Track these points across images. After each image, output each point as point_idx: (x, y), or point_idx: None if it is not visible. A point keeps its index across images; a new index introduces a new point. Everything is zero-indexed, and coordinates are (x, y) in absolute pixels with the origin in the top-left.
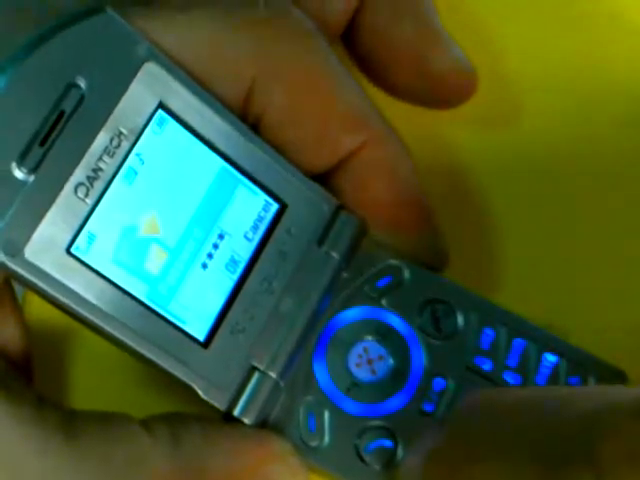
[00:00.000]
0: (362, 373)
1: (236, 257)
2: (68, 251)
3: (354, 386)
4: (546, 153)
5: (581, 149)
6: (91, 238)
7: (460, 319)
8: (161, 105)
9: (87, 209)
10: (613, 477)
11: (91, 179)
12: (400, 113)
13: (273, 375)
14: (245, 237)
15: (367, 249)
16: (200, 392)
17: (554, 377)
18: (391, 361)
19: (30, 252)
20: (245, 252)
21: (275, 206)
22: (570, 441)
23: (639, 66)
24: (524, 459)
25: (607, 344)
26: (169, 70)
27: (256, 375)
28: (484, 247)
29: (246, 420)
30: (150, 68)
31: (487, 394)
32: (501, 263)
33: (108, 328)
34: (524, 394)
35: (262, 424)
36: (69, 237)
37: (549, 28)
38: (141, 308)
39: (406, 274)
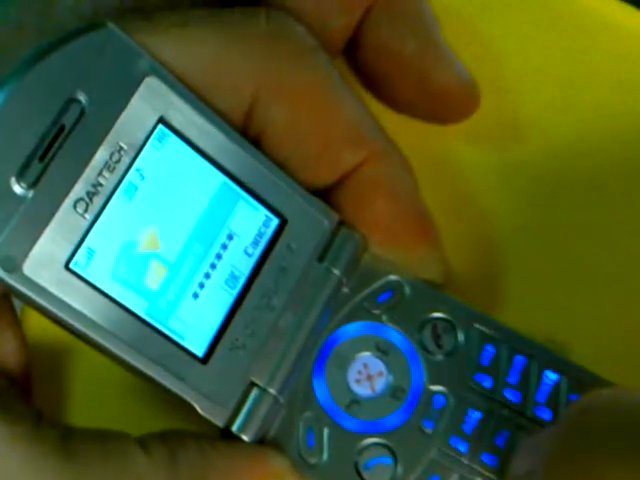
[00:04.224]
0: (362, 389)
1: (236, 272)
2: (67, 267)
3: (354, 402)
4: (549, 168)
5: (584, 164)
6: (90, 254)
7: (461, 335)
8: (162, 120)
9: (86, 224)
10: None
11: (91, 194)
12: (402, 128)
13: (272, 391)
14: (245, 252)
15: (368, 265)
16: (198, 408)
17: (555, 395)
18: (391, 377)
19: (29, 268)
20: (245, 267)
21: (275, 221)
22: None
23: None
24: None
25: (608, 358)
26: (170, 85)
27: (255, 391)
28: (485, 263)
29: (245, 437)
30: (151, 83)
31: (609, 392)
32: (502, 279)
33: (106, 344)
34: None
35: (261, 440)
36: (68, 253)
37: (553, 43)
38: (140, 324)
39: (407, 290)
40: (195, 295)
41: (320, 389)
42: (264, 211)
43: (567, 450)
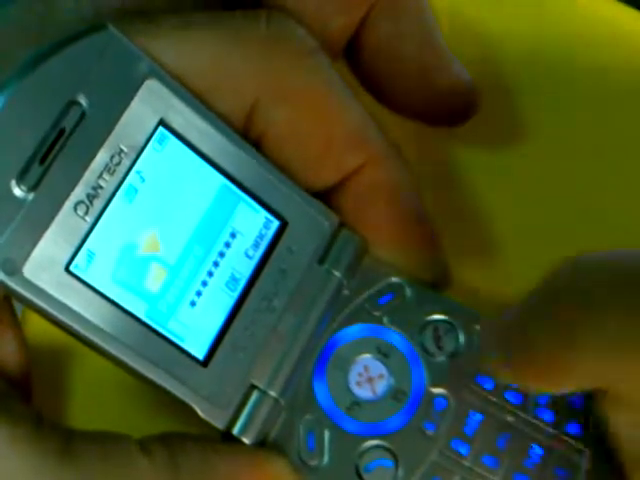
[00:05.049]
0: (363, 392)
1: (236, 275)
2: (67, 269)
3: (354, 405)
4: (549, 169)
5: (584, 165)
6: (90, 256)
7: (461, 337)
8: (162, 122)
9: (87, 227)
10: None
11: (91, 197)
12: (402, 130)
13: (273, 394)
14: (246, 254)
15: (368, 267)
16: (199, 411)
17: (556, 396)
18: (392, 380)
19: (29, 270)
20: (245, 270)
21: (276, 223)
22: None
23: None
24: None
25: None
26: (170, 87)
27: (256, 394)
28: (486, 265)
29: (245, 439)
30: (151, 85)
31: (594, 252)
32: (503, 281)
33: (107, 346)
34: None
35: (261, 443)
36: (68, 255)
37: (553, 44)
38: (140, 326)
39: (407, 292)
40: (195, 298)
41: (321, 391)
42: (264, 213)
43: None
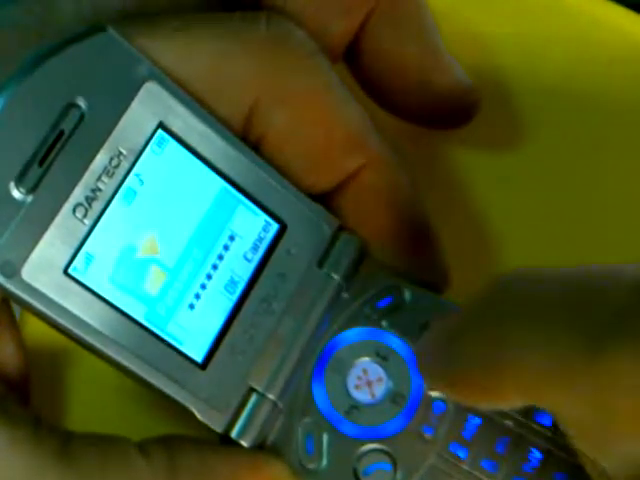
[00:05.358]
0: (361, 395)
1: (235, 278)
2: (66, 272)
3: (353, 408)
4: (550, 173)
5: (584, 165)
6: (89, 259)
7: None
8: (161, 125)
9: (85, 230)
10: None
11: (90, 199)
12: (402, 133)
13: (271, 397)
14: (245, 257)
15: (367, 270)
16: (197, 414)
17: None
18: (391, 383)
19: (27, 273)
20: (244, 273)
21: (275, 226)
22: (618, 314)
23: None
24: (564, 325)
25: None
26: (170, 90)
27: (254, 396)
28: (485, 268)
29: (243, 442)
30: (151, 88)
31: (526, 269)
32: None
33: (105, 349)
34: (568, 269)
35: (260, 446)
36: (67, 258)
37: (552, 45)
38: (139, 329)
39: (407, 295)
40: (194, 300)
41: (319, 395)
42: (264, 216)
43: (479, 320)
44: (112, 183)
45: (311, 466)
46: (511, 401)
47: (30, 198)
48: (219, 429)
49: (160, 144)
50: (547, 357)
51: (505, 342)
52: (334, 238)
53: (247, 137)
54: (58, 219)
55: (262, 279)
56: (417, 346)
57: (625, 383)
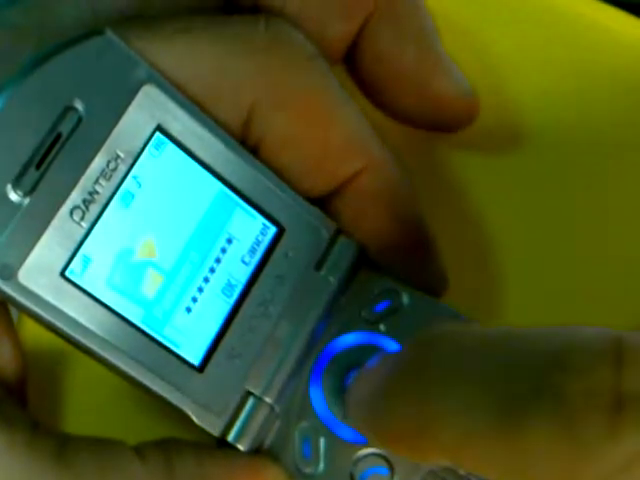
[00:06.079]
0: None
1: (233, 281)
2: (63, 275)
3: None
4: (549, 177)
5: (584, 167)
6: (86, 262)
7: None
8: (159, 128)
9: (82, 232)
10: (581, 415)
11: (87, 202)
12: (401, 136)
13: (268, 400)
14: (242, 261)
15: (365, 273)
16: (194, 418)
17: None
18: None
19: (24, 276)
20: (242, 276)
21: (273, 230)
22: (536, 378)
23: None
24: (482, 391)
25: None
26: (168, 93)
27: (251, 400)
28: (484, 272)
29: (240, 446)
30: (149, 91)
31: (453, 326)
32: (501, 288)
33: (102, 352)
34: (491, 330)
35: (257, 450)
36: (64, 261)
37: (552, 49)
38: (136, 332)
39: (404, 299)
40: (191, 304)
41: (317, 398)
42: (261, 219)
43: (399, 375)
44: (110, 186)
45: (308, 470)
46: (437, 460)
47: (27, 200)
48: (216, 433)
49: (158, 147)
50: (465, 421)
51: (428, 403)
52: (332, 241)
53: (245, 140)
54: (55, 222)
55: (259, 282)
56: (349, 394)
57: (539, 450)
